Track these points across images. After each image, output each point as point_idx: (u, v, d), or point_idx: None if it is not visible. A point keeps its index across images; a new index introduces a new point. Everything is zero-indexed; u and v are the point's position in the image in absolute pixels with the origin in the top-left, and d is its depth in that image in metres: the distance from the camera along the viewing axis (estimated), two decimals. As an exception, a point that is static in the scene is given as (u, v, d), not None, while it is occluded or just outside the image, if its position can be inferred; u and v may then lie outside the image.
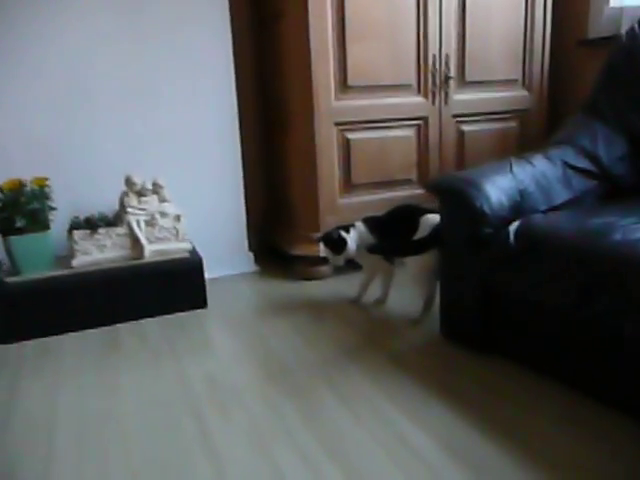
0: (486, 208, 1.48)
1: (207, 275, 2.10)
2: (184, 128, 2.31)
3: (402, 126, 2.40)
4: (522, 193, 1.55)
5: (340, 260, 1.97)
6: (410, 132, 2.43)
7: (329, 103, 2.23)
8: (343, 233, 1.94)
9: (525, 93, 2.61)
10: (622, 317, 1.19)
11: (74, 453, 1.26)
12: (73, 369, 1.66)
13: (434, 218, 1.78)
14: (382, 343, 1.75)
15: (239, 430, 1.32)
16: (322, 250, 1.99)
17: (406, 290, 2.00)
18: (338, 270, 2.38)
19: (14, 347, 1.82)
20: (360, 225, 1.98)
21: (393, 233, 1.92)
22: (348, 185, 2.36)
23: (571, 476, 1.12)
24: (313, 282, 2.34)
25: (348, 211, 2.36)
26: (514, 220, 1.48)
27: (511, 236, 1.43)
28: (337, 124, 2.27)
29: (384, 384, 1.49)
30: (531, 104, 2.63)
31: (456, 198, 1.54)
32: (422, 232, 1.80)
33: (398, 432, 1.28)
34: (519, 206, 1.53)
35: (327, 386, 1.50)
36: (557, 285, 1.32)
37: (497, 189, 1.52)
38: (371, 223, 1.99)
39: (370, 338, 1.79)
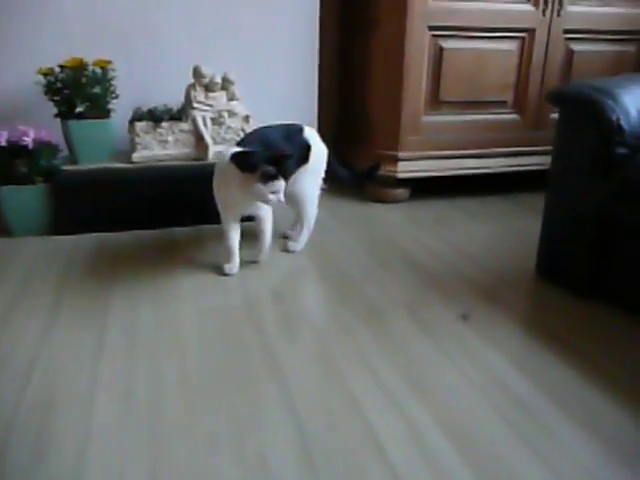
0: (623, 123, 1.22)
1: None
2: (259, 24, 2.09)
3: (503, 38, 2.09)
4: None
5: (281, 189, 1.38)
6: (512, 46, 2.11)
7: (425, 1, 1.95)
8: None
9: (653, 12, 2.23)
10: None
11: (123, 353, 1.14)
12: (127, 268, 1.54)
13: (313, 130, 1.64)
14: (466, 274, 1.55)
15: (306, 350, 1.17)
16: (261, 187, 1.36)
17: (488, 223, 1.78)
18: (416, 194, 2.17)
19: (68, 239, 1.71)
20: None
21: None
22: (435, 101, 2.10)
23: None
24: (386, 205, 2.13)
25: (431, 131, 2.11)
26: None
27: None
28: (431, 28, 1.99)
29: (473, 319, 1.30)
30: (658, 26, 2.25)
31: (585, 109, 1.28)
32: (317, 147, 1.61)
33: (495, 375, 1.10)
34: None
35: (406, 313, 1.32)
36: None
37: (638, 102, 1.25)
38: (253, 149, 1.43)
39: (451, 267, 1.59)
